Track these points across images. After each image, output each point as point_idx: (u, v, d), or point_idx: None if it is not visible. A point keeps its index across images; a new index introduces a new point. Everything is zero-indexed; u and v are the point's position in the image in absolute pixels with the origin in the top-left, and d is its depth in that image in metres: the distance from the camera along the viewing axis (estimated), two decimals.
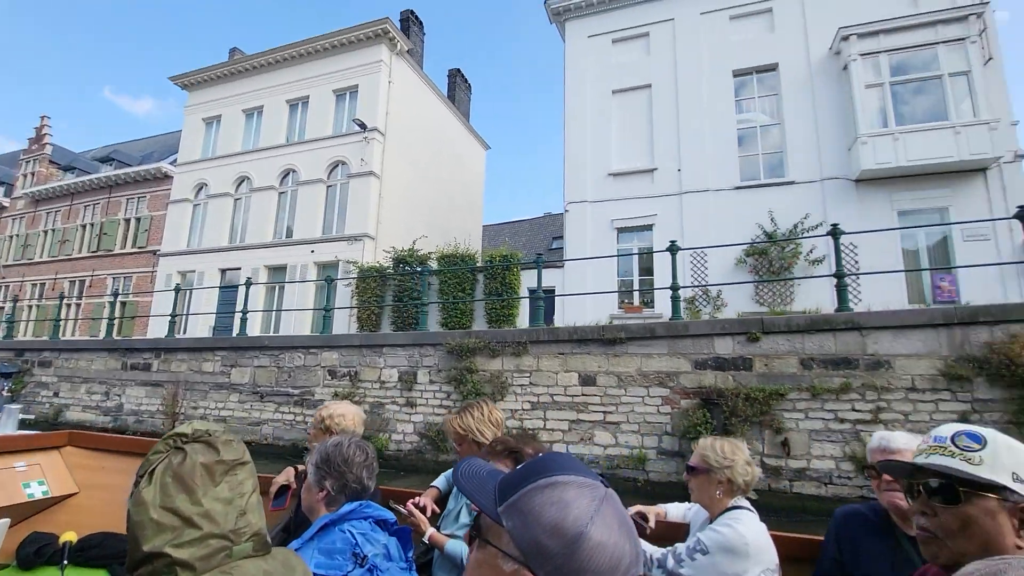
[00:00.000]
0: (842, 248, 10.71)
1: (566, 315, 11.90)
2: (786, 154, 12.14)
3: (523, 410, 6.39)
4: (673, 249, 6.84)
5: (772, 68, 12.64)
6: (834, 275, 6.17)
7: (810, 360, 5.36)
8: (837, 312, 5.61)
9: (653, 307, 12.36)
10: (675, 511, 2.16)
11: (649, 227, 12.86)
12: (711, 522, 1.73)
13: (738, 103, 12.85)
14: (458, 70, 22.66)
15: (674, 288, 6.63)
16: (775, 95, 12.61)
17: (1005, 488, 0.84)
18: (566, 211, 13.64)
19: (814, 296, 10.78)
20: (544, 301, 7.93)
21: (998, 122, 10.26)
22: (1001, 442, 0.89)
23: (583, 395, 6.13)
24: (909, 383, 5.00)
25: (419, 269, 12.36)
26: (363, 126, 15.75)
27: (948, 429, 0.94)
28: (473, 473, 0.65)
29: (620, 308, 12.61)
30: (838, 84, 11.83)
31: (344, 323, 13.77)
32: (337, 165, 16.55)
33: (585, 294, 11.36)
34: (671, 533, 1.98)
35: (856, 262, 10.89)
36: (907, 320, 5.15)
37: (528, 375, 6.44)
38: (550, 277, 13.33)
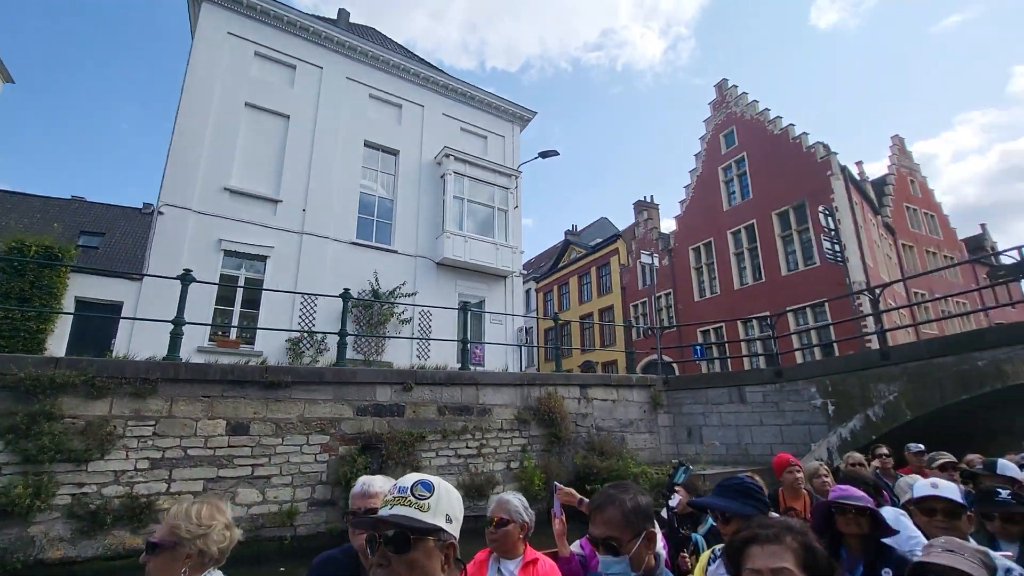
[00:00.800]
0: (425, 313, 13.46)
1: (134, 342, 9.42)
2: (394, 227, 14.31)
3: (137, 470, 4.82)
4: (346, 296, 7.06)
5: (395, 153, 14.91)
6: (459, 340, 7.94)
7: (444, 408, 6.73)
8: (461, 370, 7.30)
9: (253, 344, 11.39)
10: None
11: (263, 258, 12.04)
12: None
13: (364, 169, 14.30)
14: None
15: (342, 334, 6.79)
16: (392, 175, 14.83)
17: (440, 529, 0.97)
18: (160, 212, 11.00)
19: (401, 350, 12.91)
20: (102, 319, 6.08)
21: (514, 248, 15.78)
22: (443, 488, 1.03)
23: (229, 446, 5.27)
24: (500, 425, 7.09)
25: None
26: None
27: (409, 479, 1.03)
28: None
29: (211, 341, 10.95)
30: (436, 186, 15.18)
31: None
32: None
33: (166, 321, 9.36)
34: None
35: (430, 325, 13.79)
36: (503, 380, 7.36)
37: (153, 423, 4.96)
38: (112, 289, 10.24)
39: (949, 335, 8.82)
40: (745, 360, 18.12)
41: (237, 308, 11.69)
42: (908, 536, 2.23)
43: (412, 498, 0.98)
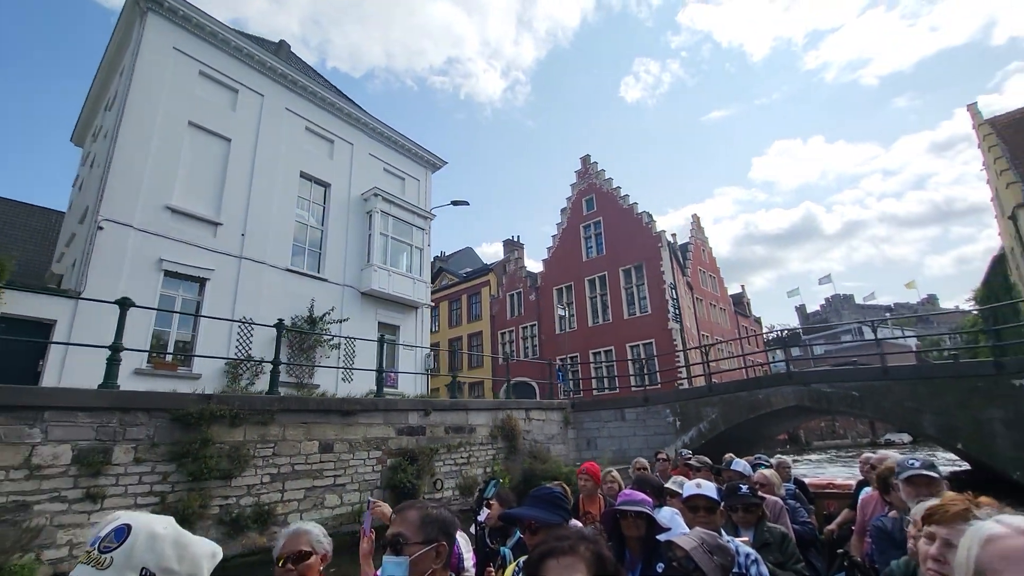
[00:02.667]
0: (349, 341, 14.67)
1: (69, 366, 9.30)
2: (324, 256, 15.26)
3: (262, 483, 6.10)
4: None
5: (327, 185, 15.87)
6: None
7: (448, 428, 8.86)
8: (454, 400, 9.49)
9: (190, 367, 11.46)
10: None
11: (203, 280, 12.13)
12: None
13: (299, 199, 15.01)
14: None
15: (379, 371, 8.45)
16: (324, 207, 15.75)
17: None
18: (100, 227, 10.56)
19: (328, 375, 13.91)
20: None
21: (426, 283, 17.82)
22: (144, 534, 0.83)
23: (320, 462, 6.76)
24: (480, 440, 9.44)
25: None
26: None
27: (108, 525, 0.85)
28: None
29: (148, 364, 10.82)
30: (363, 221, 16.51)
31: None
32: None
33: (115, 348, 9.50)
34: None
35: (355, 351, 15.01)
36: (482, 406, 9.72)
37: (272, 445, 6.26)
38: (44, 306, 9.71)
39: (746, 379, 13.87)
40: (594, 381, 22.84)
41: (174, 329, 11.61)
42: (681, 532, 2.30)
43: (95, 552, 0.80)
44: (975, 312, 21.55)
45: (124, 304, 6.58)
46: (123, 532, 0.82)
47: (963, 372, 8.90)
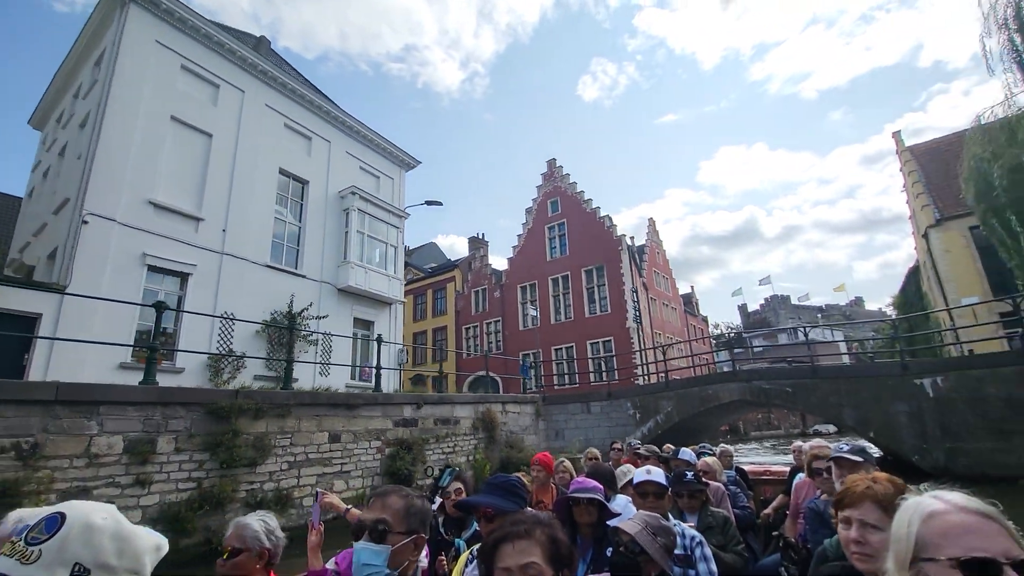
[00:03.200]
0: (329, 337, 15.07)
1: (55, 360, 9.48)
2: (302, 253, 15.53)
3: (281, 470, 6.72)
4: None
5: (305, 182, 16.10)
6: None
7: (436, 420, 9.66)
8: (441, 394, 10.28)
9: (173, 360, 11.64)
10: None
11: (184, 275, 12.26)
12: None
13: (278, 195, 15.20)
14: None
15: (377, 368, 9.10)
16: (302, 203, 15.99)
17: None
18: (85, 221, 10.57)
19: (306, 369, 14.28)
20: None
21: (401, 280, 18.36)
22: (79, 525, 0.74)
23: (330, 451, 7.43)
24: (464, 431, 10.29)
25: None
26: None
27: (41, 514, 0.77)
28: None
29: (132, 358, 10.95)
30: (339, 218, 16.84)
31: None
32: None
33: (100, 342, 9.73)
34: None
35: (331, 345, 15.41)
36: (465, 400, 10.55)
37: (290, 436, 6.88)
38: (28, 299, 9.73)
39: (698, 376, 15.33)
40: (555, 377, 24.05)
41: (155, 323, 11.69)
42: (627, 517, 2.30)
43: (22, 543, 0.72)
44: (889, 320, 24.23)
45: (159, 307, 7.03)
46: (55, 522, 0.73)
47: (876, 372, 10.56)
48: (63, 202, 11.70)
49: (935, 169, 20.00)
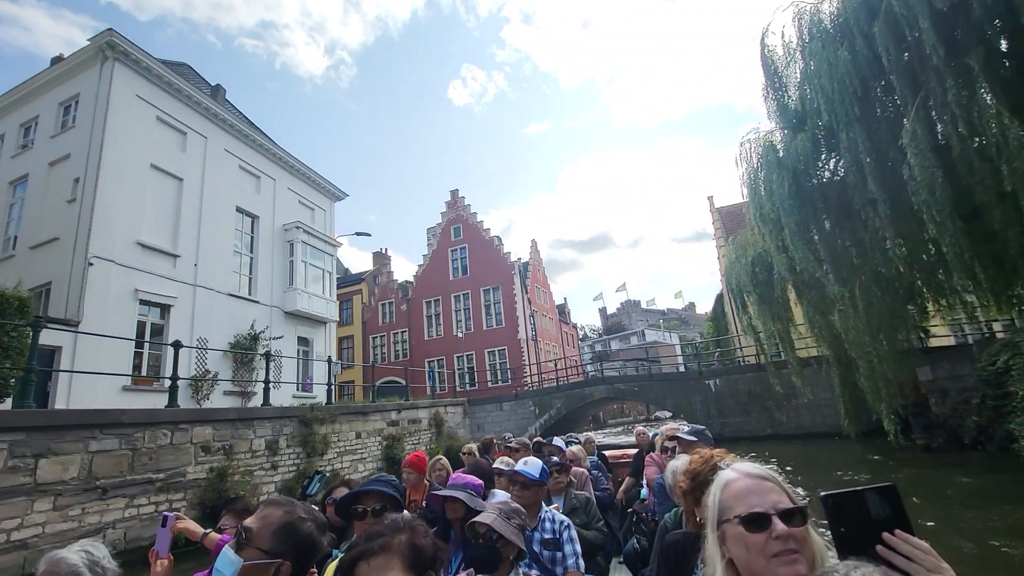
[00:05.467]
0: (277, 352, 17.49)
1: (75, 387, 11.39)
2: (256, 281, 17.67)
3: (335, 458, 10.08)
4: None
5: (256, 217, 18.17)
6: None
7: (408, 420, 13.38)
8: (412, 402, 13.98)
9: (162, 382, 13.51)
10: None
11: (167, 306, 14.08)
12: None
13: (236, 230, 17.17)
14: None
15: (373, 384, 12.50)
16: (252, 236, 18.04)
17: None
18: (91, 263, 12.15)
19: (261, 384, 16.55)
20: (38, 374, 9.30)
21: (333, 301, 21.03)
22: None
23: (354, 444, 10.90)
24: (424, 427, 14.12)
25: None
26: None
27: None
28: None
29: (131, 382, 12.75)
30: (284, 248, 19.12)
31: None
32: None
33: (108, 375, 11.86)
34: None
35: (281, 362, 17.77)
36: (424, 404, 14.36)
37: (337, 435, 10.23)
38: (50, 334, 11.35)
39: (579, 380, 20.71)
40: (458, 379, 28.23)
41: (146, 351, 13.48)
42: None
43: None
44: (699, 337, 32.68)
45: (177, 346, 9.63)
46: None
47: (685, 377, 16.72)
48: (49, 239, 12.87)
49: (735, 226, 28.33)
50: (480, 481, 2.65)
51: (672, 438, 3.15)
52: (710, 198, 29.95)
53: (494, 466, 3.66)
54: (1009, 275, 7.88)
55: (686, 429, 3.03)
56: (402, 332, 31.78)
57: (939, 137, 8.43)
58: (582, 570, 2.44)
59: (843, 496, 0.83)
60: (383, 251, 35.20)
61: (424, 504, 3.34)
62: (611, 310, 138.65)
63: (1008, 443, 7.98)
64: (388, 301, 32.65)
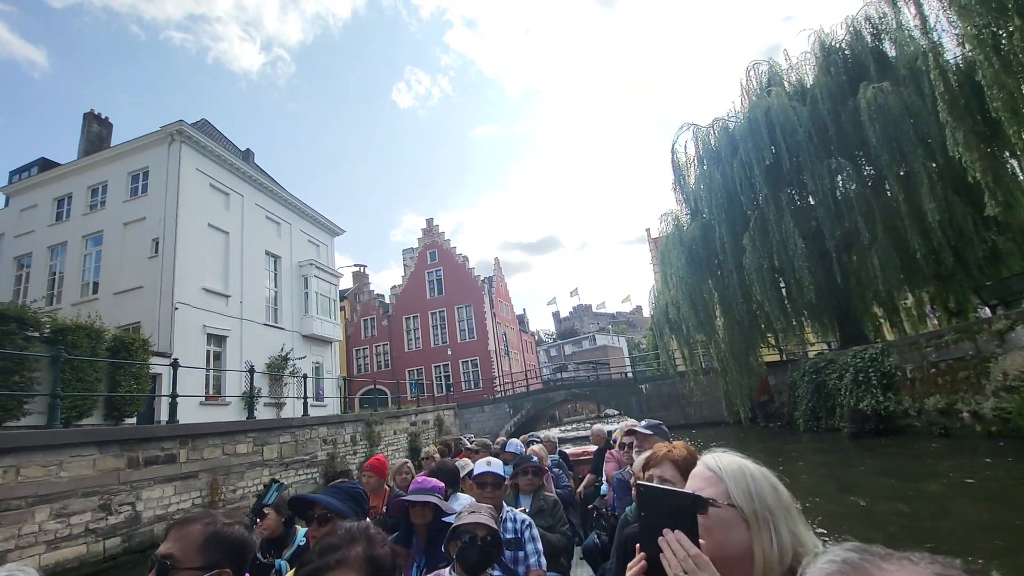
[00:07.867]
0: (298, 375, 21.38)
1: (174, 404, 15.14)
2: (280, 311, 21.41)
3: (383, 448, 14.43)
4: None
5: (279, 257, 21.90)
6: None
7: (423, 421, 17.82)
8: (422, 408, 18.41)
9: (224, 398, 17.24)
10: None
11: (223, 338, 17.78)
12: None
13: (265, 270, 20.88)
14: None
15: (399, 398, 16.85)
16: (277, 273, 21.77)
17: None
18: (176, 308, 15.80)
19: (290, 396, 20.36)
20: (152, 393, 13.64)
21: (337, 323, 24.93)
22: None
23: (392, 438, 15.27)
24: (430, 427, 18.58)
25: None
26: None
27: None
28: None
29: (205, 399, 16.45)
30: (300, 282, 22.91)
31: None
32: None
33: (203, 401, 15.72)
34: None
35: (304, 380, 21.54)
36: (429, 409, 18.80)
37: (380, 432, 14.57)
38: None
39: (543, 386, 25.63)
40: (437, 387, 32.56)
41: (211, 372, 17.16)
42: (471, 516, 2.26)
43: None
44: (643, 342, 38.46)
45: (252, 371, 13.74)
46: None
47: (624, 382, 21.99)
48: (133, 287, 16.35)
49: None
50: (442, 484, 2.70)
51: (629, 432, 3.24)
52: (647, 230, 35.78)
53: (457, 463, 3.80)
54: (800, 322, 13.47)
55: (643, 424, 3.03)
56: (384, 344, 35.69)
57: (768, 237, 13.86)
58: (544, 568, 2.47)
59: (650, 489, 0.95)
60: (362, 269, 38.91)
61: (384, 509, 3.44)
62: (564, 314, 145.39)
63: (797, 422, 13.54)
64: (370, 317, 36.44)
